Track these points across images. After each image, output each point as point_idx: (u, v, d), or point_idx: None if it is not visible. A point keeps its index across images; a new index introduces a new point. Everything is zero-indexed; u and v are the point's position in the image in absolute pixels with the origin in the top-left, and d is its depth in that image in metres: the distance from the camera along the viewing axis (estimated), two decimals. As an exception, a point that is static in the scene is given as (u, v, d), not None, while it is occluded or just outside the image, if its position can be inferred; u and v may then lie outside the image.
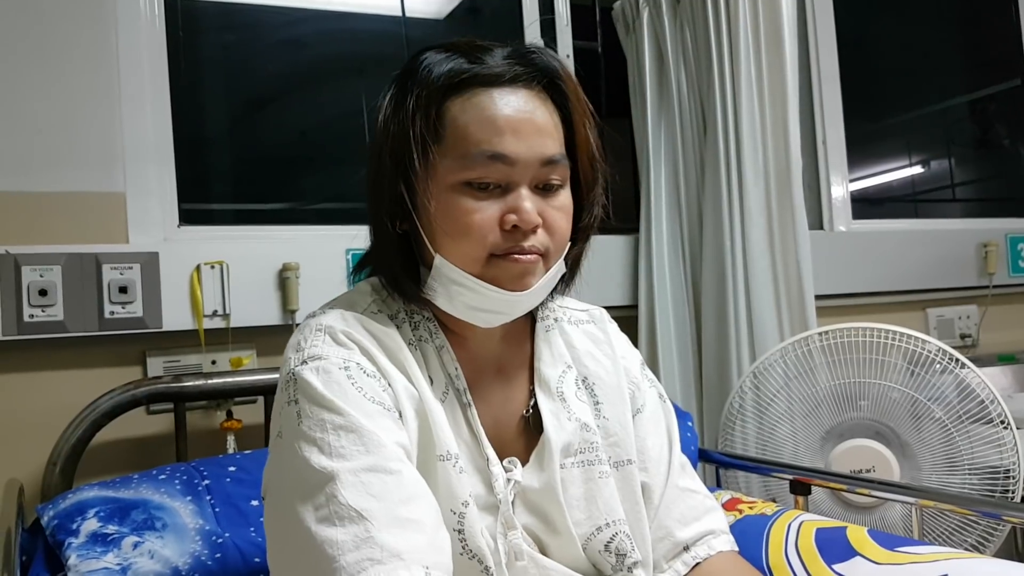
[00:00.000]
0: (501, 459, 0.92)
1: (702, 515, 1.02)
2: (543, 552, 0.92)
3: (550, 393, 0.97)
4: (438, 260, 0.88)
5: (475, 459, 0.90)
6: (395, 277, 0.92)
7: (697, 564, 0.99)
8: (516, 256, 0.86)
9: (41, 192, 1.61)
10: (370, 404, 0.81)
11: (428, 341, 0.93)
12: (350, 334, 0.86)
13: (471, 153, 0.85)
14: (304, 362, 0.83)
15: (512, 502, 0.90)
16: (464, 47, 0.89)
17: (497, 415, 0.95)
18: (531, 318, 1.03)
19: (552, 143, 0.88)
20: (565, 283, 1.00)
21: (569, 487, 0.93)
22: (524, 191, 0.86)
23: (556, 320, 1.05)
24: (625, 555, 0.93)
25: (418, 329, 0.93)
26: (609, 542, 0.92)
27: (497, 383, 0.97)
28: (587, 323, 1.08)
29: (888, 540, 1.16)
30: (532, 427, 0.96)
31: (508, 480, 0.90)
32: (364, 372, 0.84)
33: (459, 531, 0.83)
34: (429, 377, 0.90)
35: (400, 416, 0.84)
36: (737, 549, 1.04)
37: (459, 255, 0.86)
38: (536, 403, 0.96)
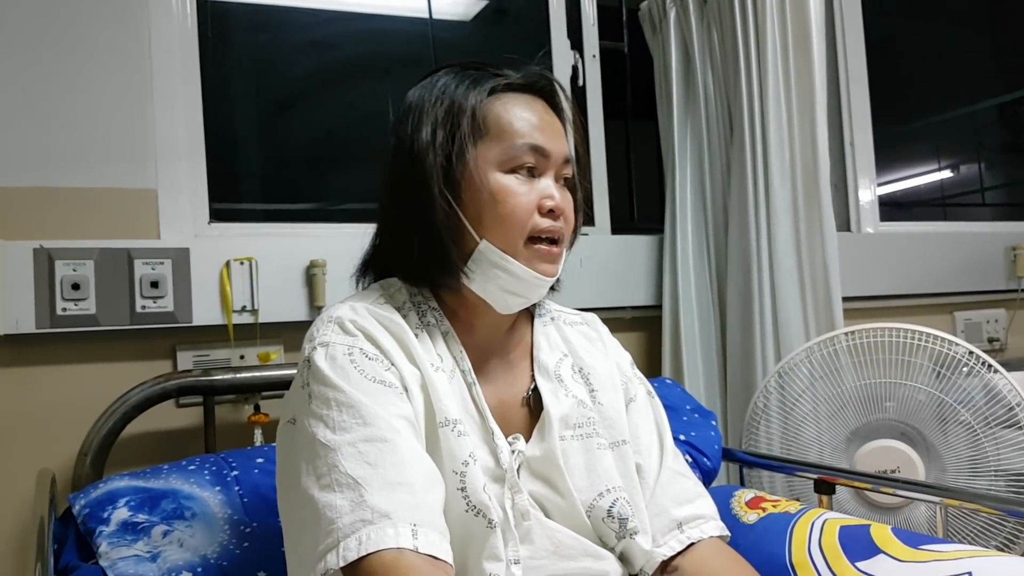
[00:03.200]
0: (506, 436, 1.00)
1: (694, 498, 1.09)
2: (548, 517, 0.99)
3: (548, 376, 1.07)
4: (483, 245, 0.98)
5: (481, 433, 0.98)
6: (437, 264, 1.00)
7: (691, 544, 1.05)
8: (548, 244, 1.00)
9: (75, 188, 1.64)
10: (370, 383, 0.90)
11: (435, 327, 1.03)
12: (356, 322, 0.96)
13: (516, 144, 0.99)
14: (315, 348, 0.94)
15: (517, 470, 0.99)
16: (480, 65, 1.05)
17: (501, 396, 1.04)
18: (530, 315, 1.15)
19: (567, 146, 1.04)
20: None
21: (570, 457, 1.01)
22: (551, 181, 1.01)
23: (552, 319, 1.16)
24: (626, 519, 1.00)
25: (425, 316, 1.03)
26: (611, 507, 1.00)
27: (500, 368, 1.07)
28: (581, 324, 1.19)
29: (912, 538, 1.15)
30: (533, 407, 1.06)
31: (513, 451, 0.99)
32: (366, 356, 0.93)
33: (461, 489, 0.91)
34: (438, 355, 1.00)
35: (406, 391, 0.93)
36: (728, 534, 1.10)
37: (503, 236, 0.98)
38: (536, 386, 1.06)
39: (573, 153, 1.06)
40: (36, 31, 1.62)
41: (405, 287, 1.05)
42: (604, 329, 1.21)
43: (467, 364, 1.02)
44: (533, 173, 1.00)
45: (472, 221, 0.98)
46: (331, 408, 0.88)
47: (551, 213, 0.99)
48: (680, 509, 1.07)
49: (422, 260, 1.01)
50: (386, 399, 0.90)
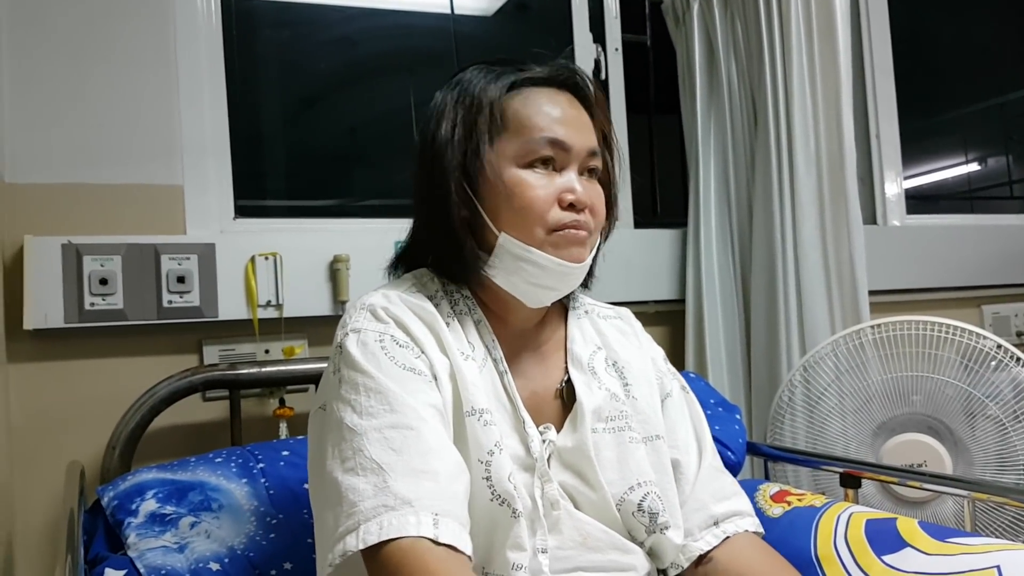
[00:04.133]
0: (537, 426, 1.00)
1: (731, 495, 1.10)
2: (578, 508, 0.99)
3: (582, 368, 1.06)
4: (502, 238, 0.98)
5: (512, 422, 0.98)
6: (454, 259, 1.02)
7: (727, 539, 1.05)
8: (573, 230, 0.97)
9: (102, 184, 1.66)
10: (399, 370, 0.91)
11: (467, 315, 1.03)
12: (388, 310, 0.97)
13: (535, 138, 0.98)
14: (347, 334, 0.95)
15: (548, 460, 0.98)
16: (507, 61, 1.04)
17: (533, 387, 1.04)
18: (564, 308, 1.14)
19: (593, 138, 1.03)
20: (588, 273, 1.10)
21: (602, 450, 1.00)
22: (575, 175, 0.99)
23: (586, 312, 1.16)
24: (657, 514, 0.99)
25: (457, 305, 1.03)
26: (642, 501, 0.99)
27: (533, 359, 1.07)
28: (615, 319, 1.19)
29: (939, 531, 1.14)
30: (566, 399, 1.05)
31: (544, 441, 0.99)
32: (397, 343, 0.94)
33: (487, 478, 0.91)
34: (470, 343, 1.00)
35: (435, 380, 0.94)
36: (763, 532, 1.10)
37: (522, 229, 0.97)
38: (569, 378, 1.05)
39: (601, 145, 1.05)
40: (64, 31, 1.64)
41: (437, 277, 1.06)
42: (638, 324, 1.20)
43: (499, 353, 1.02)
44: (554, 167, 0.99)
45: (491, 216, 0.98)
46: (359, 393, 0.89)
47: (572, 207, 0.98)
48: (719, 505, 1.07)
49: (447, 256, 1.02)
50: (415, 387, 0.91)
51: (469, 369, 0.97)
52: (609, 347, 1.12)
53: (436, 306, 1.01)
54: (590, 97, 1.06)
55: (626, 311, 1.22)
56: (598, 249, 1.09)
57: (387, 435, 0.86)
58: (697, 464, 1.10)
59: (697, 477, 1.09)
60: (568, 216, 0.97)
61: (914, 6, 2.77)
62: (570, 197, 0.97)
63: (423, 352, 0.95)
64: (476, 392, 0.95)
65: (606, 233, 1.09)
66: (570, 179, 0.99)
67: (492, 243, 0.99)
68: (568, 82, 1.04)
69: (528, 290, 1.01)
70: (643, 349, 1.15)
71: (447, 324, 0.99)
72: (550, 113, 0.99)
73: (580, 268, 1.00)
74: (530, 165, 0.98)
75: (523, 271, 0.98)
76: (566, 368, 1.07)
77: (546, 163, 0.98)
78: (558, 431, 1.02)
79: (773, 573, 1.04)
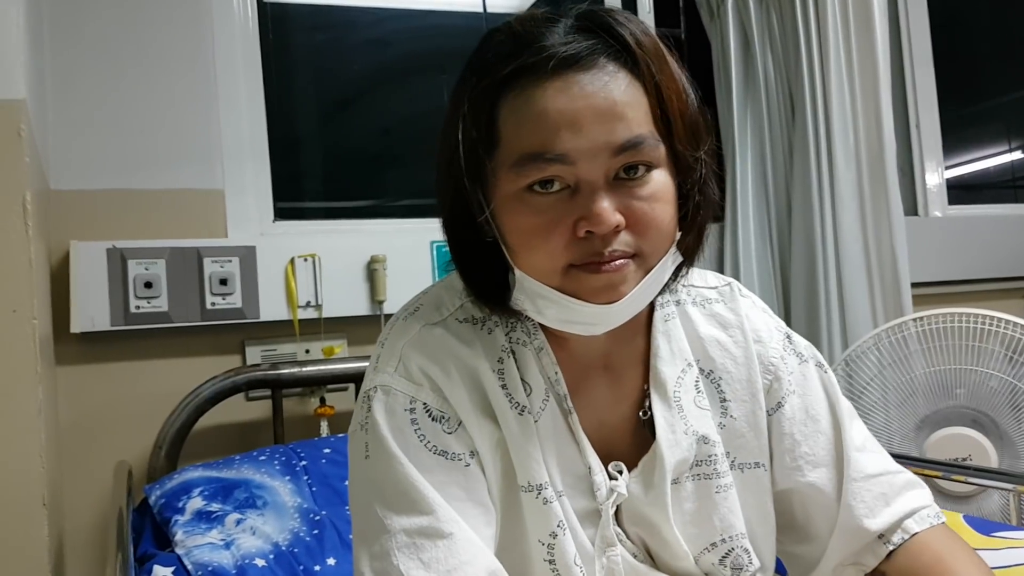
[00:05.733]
0: (607, 463, 0.84)
1: (893, 499, 0.88)
2: (650, 555, 0.86)
3: (666, 399, 0.86)
4: (518, 274, 0.79)
5: (576, 467, 0.84)
6: (478, 290, 0.83)
7: (893, 551, 0.87)
8: (597, 265, 0.74)
9: (145, 189, 1.69)
10: (429, 455, 0.79)
11: (526, 344, 0.85)
12: (424, 367, 0.81)
13: (523, 158, 0.73)
14: (376, 390, 0.81)
15: (615, 514, 0.85)
16: (522, 30, 0.76)
17: (603, 417, 0.87)
18: (649, 305, 0.87)
19: (625, 126, 0.73)
20: (676, 277, 0.85)
21: (682, 503, 0.85)
22: (598, 191, 0.73)
23: (679, 303, 0.91)
24: (741, 568, 0.85)
25: (514, 331, 0.85)
26: (724, 557, 0.85)
27: (604, 383, 0.88)
28: (715, 302, 0.92)
29: (984, 526, 1.13)
30: (645, 428, 0.87)
31: (611, 490, 0.83)
32: (430, 415, 0.80)
33: (550, 561, 0.81)
34: (527, 385, 0.83)
35: (475, 455, 0.81)
36: (943, 520, 0.90)
37: (534, 270, 0.77)
38: (651, 405, 0.87)
39: (648, 130, 0.74)
40: (105, 40, 1.68)
41: None
42: (745, 304, 0.93)
43: (563, 388, 0.84)
44: (564, 188, 0.74)
45: (504, 243, 0.79)
46: (388, 477, 0.78)
47: (591, 236, 0.73)
48: (876, 520, 0.87)
49: (470, 280, 0.84)
50: (448, 477, 0.78)
51: (525, 428, 0.81)
52: (704, 354, 0.89)
53: (489, 333, 0.84)
54: (636, 57, 0.74)
55: (729, 289, 0.94)
56: (700, 238, 0.82)
57: (417, 542, 0.75)
58: (835, 485, 0.89)
59: (841, 502, 0.88)
60: (587, 248, 0.73)
61: (953, -7, 2.73)
62: (585, 225, 0.72)
63: (460, 423, 0.81)
64: (533, 465, 0.81)
65: (695, 227, 0.81)
66: (587, 200, 0.73)
67: (513, 273, 0.81)
68: (581, 56, 0.73)
69: (566, 326, 0.80)
70: (748, 346, 0.90)
71: (499, 361, 0.83)
72: (544, 116, 0.73)
73: (621, 306, 0.76)
74: (529, 189, 0.74)
75: (550, 309, 0.78)
76: (646, 390, 0.88)
77: (551, 181, 0.73)
78: (630, 468, 0.85)
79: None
